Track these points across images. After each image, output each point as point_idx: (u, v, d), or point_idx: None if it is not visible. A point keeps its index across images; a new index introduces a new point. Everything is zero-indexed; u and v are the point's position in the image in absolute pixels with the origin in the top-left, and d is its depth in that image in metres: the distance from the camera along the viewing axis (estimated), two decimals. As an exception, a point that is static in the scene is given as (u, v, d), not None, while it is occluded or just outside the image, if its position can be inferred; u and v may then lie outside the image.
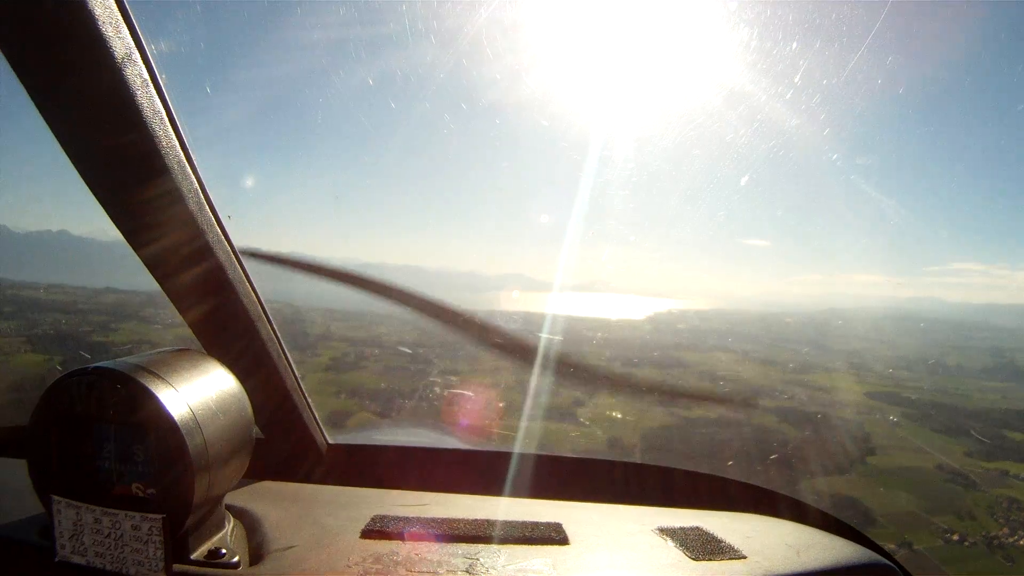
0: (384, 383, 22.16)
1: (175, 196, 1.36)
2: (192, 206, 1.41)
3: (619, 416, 21.36)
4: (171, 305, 1.66)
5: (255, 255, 1.96)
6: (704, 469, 2.26)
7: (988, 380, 30.77)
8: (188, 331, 1.71)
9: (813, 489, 17.32)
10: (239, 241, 1.64)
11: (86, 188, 1.35)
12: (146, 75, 1.21)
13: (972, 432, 23.59)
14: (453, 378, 21.75)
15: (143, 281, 1.52)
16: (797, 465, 18.41)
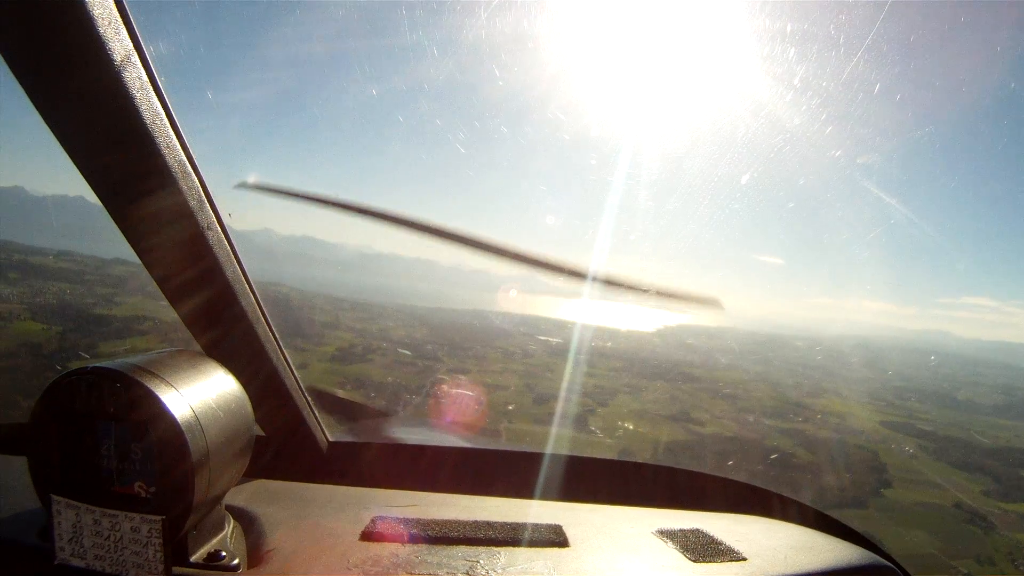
0: (391, 377, 21.13)
1: (175, 195, 1.31)
2: (192, 205, 1.35)
3: (631, 428, 20.62)
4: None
5: (255, 186, 1.95)
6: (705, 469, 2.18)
7: (999, 418, 30.14)
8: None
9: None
10: (237, 229, 1.56)
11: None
12: (145, 76, 1.17)
13: (989, 470, 22.73)
14: (461, 377, 21.20)
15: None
16: (812, 492, 17.64)
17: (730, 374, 29.19)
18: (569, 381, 22.74)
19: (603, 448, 18.12)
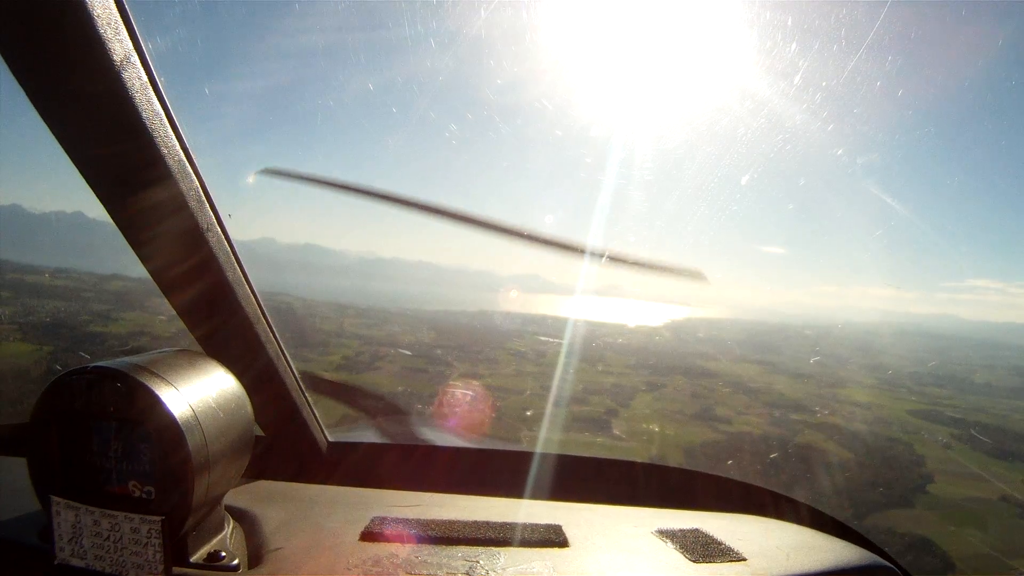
0: (401, 386, 19.47)
1: (175, 196, 1.30)
2: (192, 206, 1.34)
3: (657, 430, 19.13)
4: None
5: (277, 173, 1.90)
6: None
7: (1019, 400, 28.53)
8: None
9: (884, 528, 15.02)
10: (238, 239, 1.53)
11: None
12: (145, 77, 1.16)
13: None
14: (474, 382, 19.83)
15: (152, 269, 1.37)
16: (857, 493, 16.07)
17: (745, 367, 27.70)
18: (586, 381, 21.26)
19: (628, 455, 16.51)
